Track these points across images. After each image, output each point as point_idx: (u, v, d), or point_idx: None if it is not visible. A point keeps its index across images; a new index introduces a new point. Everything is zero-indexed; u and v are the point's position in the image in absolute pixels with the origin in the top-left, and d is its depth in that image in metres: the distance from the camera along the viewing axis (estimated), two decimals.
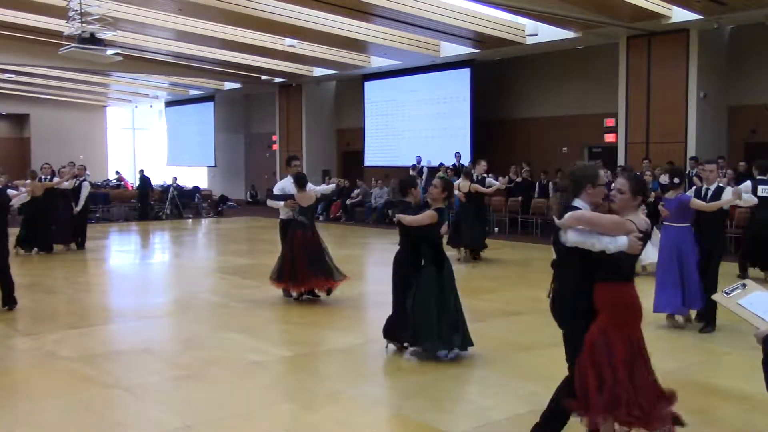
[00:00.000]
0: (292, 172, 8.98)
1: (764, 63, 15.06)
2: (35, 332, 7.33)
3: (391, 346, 6.48)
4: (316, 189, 9.21)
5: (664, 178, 14.64)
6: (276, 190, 9.10)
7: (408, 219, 6.21)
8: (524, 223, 16.78)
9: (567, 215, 3.89)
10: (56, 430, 4.75)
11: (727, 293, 3.12)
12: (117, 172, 28.96)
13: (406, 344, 6.40)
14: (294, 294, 8.85)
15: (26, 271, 11.11)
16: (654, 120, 15.53)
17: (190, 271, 12.55)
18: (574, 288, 4.02)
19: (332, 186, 10.91)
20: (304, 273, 8.46)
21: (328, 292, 8.79)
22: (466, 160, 19.08)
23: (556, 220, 3.97)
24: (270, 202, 9.13)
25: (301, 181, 8.65)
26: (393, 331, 6.46)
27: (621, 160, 16.07)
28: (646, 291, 8.04)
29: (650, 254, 10.16)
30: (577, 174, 4.05)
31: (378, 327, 8.12)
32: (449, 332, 6.13)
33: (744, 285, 3.10)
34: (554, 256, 4.15)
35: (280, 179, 28.10)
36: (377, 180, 20.93)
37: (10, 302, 8.35)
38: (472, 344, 6.32)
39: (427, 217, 6.12)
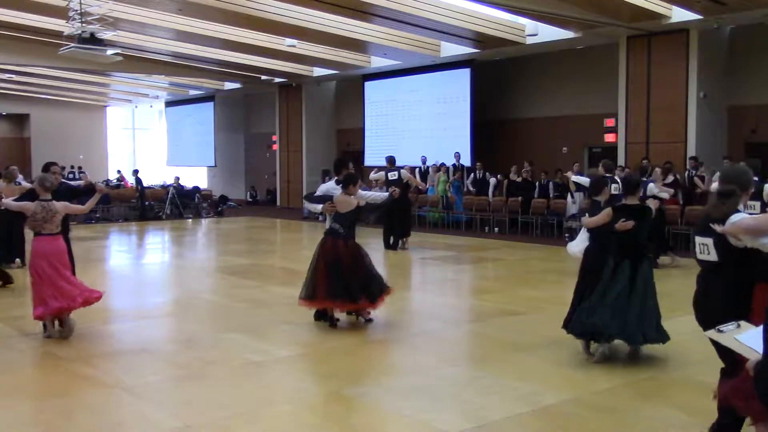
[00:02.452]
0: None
1: (764, 63, 15.05)
2: (35, 332, 7.33)
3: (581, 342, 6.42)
4: (363, 194, 7.91)
5: (669, 178, 14.65)
6: (319, 193, 8.03)
7: (590, 221, 6.34)
8: (524, 224, 16.77)
9: (745, 219, 3.88)
10: (56, 430, 4.75)
11: (721, 331, 3.46)
12: (118, 171, 28.97)
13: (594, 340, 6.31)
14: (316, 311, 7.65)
15: (26, 271, 11.08)
16: (654, 120, 15.53)
17: (190, 271, 12.55)
18: (728, 290, 4.02)
19: (385, 195, 8.82)
20: (329, 289, 7.28)
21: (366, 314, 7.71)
22: (466, 160, 19.10)
23: (719, 227, 3.94)
24: (307, 204, 8.06)
25: (347, 181, 7.53)
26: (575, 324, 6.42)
27: (621, 160, 16.06)
28: None
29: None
30: (747, 177, 4.21)
31: (377, 327, 8.13)
32: (646, 325, 6.10)
33: (738, 325, 3.45)
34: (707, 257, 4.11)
35: (280, 179, 27.91)
36: (377, 180, 20.90)
37: None
38: (668, 338, 6.20)
39: (604, 215, 6.14)
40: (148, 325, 8.01)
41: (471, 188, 18.50)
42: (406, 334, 7.56)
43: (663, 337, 6.19)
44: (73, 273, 7.36)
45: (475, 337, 7.53)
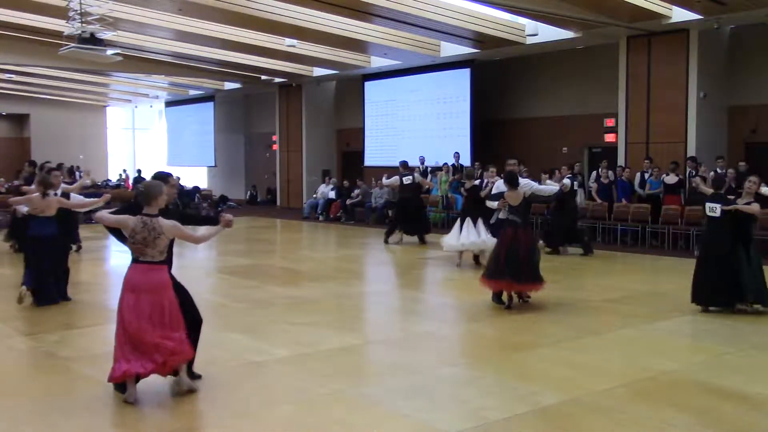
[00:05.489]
0: None
1: (764, 63, 15.05)
2: (35, 332, 7.33)
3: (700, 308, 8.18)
4: (535, 187, 9.29)
5: (669, 178, 14.68)
6: (495, 191, 9.45)
7: (753, 209, 7.97)
8: None
9: None
10: (56, 430, 4.75)
11: None
12: (124, 170, 29.00)
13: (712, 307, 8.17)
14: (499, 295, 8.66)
15: None
16: (654, 120, 15.53)
17: (190, 271, 12.51)
18: None
19: (553, 188, 10.49)
20: (508, 273, 8.34)
21: (526, 297, 8.67)
22: (465, 160, 19.10)
23: None
24: (489, 203, 9.49)
25: (510, 180, 8.77)
26: (707, 296, 8.18)
27: (621, 160, 16.07)
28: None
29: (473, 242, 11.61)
30: None
31: (377, 327, 8.15)
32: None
33: None
34: None
35: (280, 179, 27.88)
36: (377, 180, 20.92)
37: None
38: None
39: (757, 208, 8.02)
40: None
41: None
42: (406, 334, 7.56)
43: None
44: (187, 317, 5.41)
45: (475, 337, 7.53)
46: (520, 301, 8.64)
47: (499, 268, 8.41)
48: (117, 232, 5.46)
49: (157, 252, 5.19)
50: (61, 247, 8.89)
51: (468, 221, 11.66)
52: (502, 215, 9.27)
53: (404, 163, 15.52)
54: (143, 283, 5.17)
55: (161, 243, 5.18)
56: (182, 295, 5.45)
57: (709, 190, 8.50)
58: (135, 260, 5.23)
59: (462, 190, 12.51)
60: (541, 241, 12.90)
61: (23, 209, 8.94)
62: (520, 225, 8.57)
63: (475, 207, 11.62)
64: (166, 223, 5.18)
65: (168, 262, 5.36)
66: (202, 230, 5.67)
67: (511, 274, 8.32)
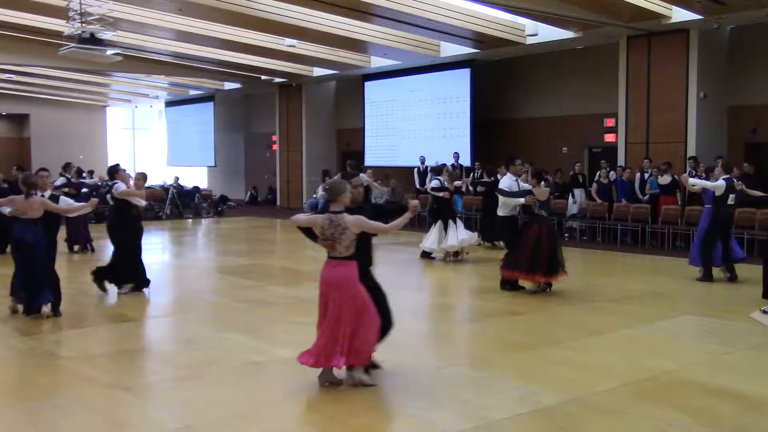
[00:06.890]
0: (514, 171, 9.86)
1: (764, 63, 15.05)
2: (35, 332, 7.33)
3: None
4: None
5: (663, 179, 14.70)
6: (504, 188, 9.66)
7: None
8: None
9: None
10: (56, 430, 4.75)
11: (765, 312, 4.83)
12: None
13: None
14: (526, 285, 9.38)
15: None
16: (654, 120, 15.53)
17: (190, 271, 12.54)
18: None
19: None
20: (539, 265, 9.00)
21: (549, 286, 9.32)
22: (465, 160, 19.11)
23: None
24: (506, 200, 9.47)
25: (540, 176, 9.39)
26: None
27: (621, 160, 16.07)
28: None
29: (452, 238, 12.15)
30: None
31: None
32: None
33: None
34: None
35: (280, 179, 27.78)
36: (377, 180, 20.90)
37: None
38: None
39: None
40: (148, 325, 8.00)
41: (470, 188, 18.45)
42: (406, 334, 7.55)
43: None
44: (383, 313, 5.57)
45: (475, 337, 7.53)
46: (547, 290, 9.30)
47: (527, 261, 8.99)
48: (308, 232, 5.72)
49: (344, 247, 5.39)
50: (45, 254, 8.09)
51: (458, 222, 12.41)
52: (501, 211, 9.57)
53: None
54: (331, 279, 5.43)
55: (347, 238, 5.37)
56: (375, 292, 5.58)
57: (756, 193, 8.87)
58: (328, 257, 5.51)
59: (442, 192, 12.61)
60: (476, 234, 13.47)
61: (5, 210, 8.36)
62: (546, 220, 9.22)
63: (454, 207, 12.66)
64: (351, 218, 5.39)
65: (357, 257, 5.48)
66: (395, 221, 5.67)
67: (539, 268, 8.98)
